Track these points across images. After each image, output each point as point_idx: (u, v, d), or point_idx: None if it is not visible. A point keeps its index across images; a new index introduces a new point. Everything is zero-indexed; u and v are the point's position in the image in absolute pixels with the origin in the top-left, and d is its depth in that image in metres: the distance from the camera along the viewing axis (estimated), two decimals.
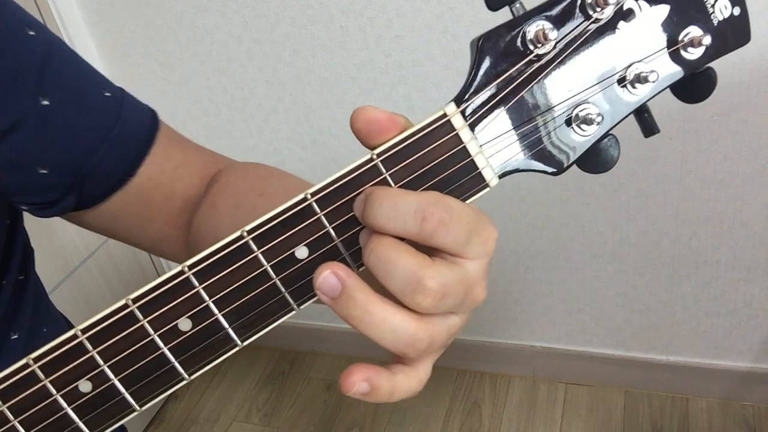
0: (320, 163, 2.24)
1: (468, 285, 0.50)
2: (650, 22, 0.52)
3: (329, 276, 0.49)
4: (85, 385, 0.53)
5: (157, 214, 0.84)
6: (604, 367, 2.37)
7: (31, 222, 0.88)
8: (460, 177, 0.52)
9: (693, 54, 0.53)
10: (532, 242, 2.19)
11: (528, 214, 2.13)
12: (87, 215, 0.83)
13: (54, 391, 0.53)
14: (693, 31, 0.52)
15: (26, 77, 0.71)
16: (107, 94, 0.79)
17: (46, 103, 0.72)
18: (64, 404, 0.53)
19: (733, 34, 0.53)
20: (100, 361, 0.52)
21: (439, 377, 2.55)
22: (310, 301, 0.53)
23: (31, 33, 0.73)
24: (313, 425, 2.51)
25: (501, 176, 0.53)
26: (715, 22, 0.53)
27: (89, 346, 0.52)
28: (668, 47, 0.52)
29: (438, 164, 0.51)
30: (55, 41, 0.77)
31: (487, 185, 0.53)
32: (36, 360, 0.52)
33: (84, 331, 0.52)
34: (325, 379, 2.68)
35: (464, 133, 0.51)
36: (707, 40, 0.52)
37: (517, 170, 0.54)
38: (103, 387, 0.53)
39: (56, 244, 2.25)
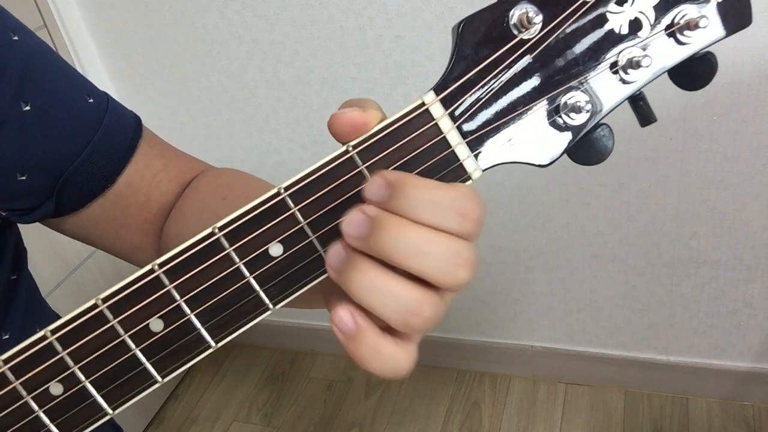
0: None
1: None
2: (644, 3, 0.49)
3: (338, 248, 0.48)
4: (56, 388, 0.52)
5: (133, 222, 0.84)
6: (604, 367, 2.36)
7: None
8: (440, 169, 0.50)
9: (690, 38, 0.50)
10: (532, 242, 2.18)
11: (528, 214, 2.12)
12: (66, 222, 0.83)
13: (25, 394, 0.52)
14: (690, 12, 0.49)
15: (7, 82, 0.70)
16: (90, 100, 0.79)
17: (27, 108, 0.71)
18: (35, 407, 0.53)
19: (733, 16, 0.50)
20: (71, 363, 0.51)
21: (439, 377, 2.54)
22: (287, 300, 0.52)
23: (15, 38, 0.72)
24: (313, 425, 2.51)
25: (485, 169, 0.52)
26: (714, 4, 0.50)
27: (59, 347, 0.51)
28: (664, 30, 0.50)
29: (416, 156, 0.50)
30: (39, 46, 0.76)
31: (469, 177, 0.51)
32: (6, 362, 0.51)
33: (53, 331, 0.51)
34: (325, 379, 2.67)
35: (444, 123, 0.50)
36: (705, 22, 0.49)
37: (502, 162, 0.52)
38: (74, 389, 0.52)
39: (56, 244, 2.24)
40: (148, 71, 2.25)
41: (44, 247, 2.19)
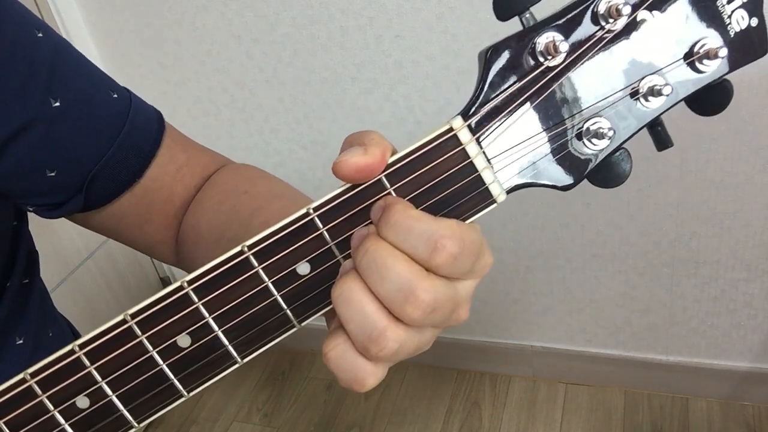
0: (320, 163, 2.23)
1: (456, 303, 0.50)
2: (665, 33, 0.51)
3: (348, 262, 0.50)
4: (82, 401, 0.53)
5: (157, 216, 0.84)
6: (604, 367, 2.36)
7: (31, 222, 0.88)
8: (466, 193, 0.51)
9: (709, 66, 0.51)
10: (532, 242, 2.18)
11: (528, 214, 2.12)
12: (92, 216, 0.83)
13: (51, 407, 0.53)
14: (709, 42, 0.51)
15: (37, 79, 0.71)
16: (115, 95, 0.79)
17: (57, 105, 0.72)
18: (61, 420, 0.53)
19: (750, 45, 0.52)
20: (98, 378, 0.52)
21: (439, 377, 2.55)
22: (311, 318, 0.53)
23: (40, 35, 0.72)
24: (313, 425, 2.51)
25: (509, 192, 0.53)
26: (732, 34, 0.51)
27: (87, 362, 0.51)
28: (683, 59, 0.51)
29: (444, 179, 0.51)
30: (62, 43, 0.76)
31: (494, 201, 0.52)
32: (33, 375, 0.52)
33: (81, 346, 0.51)
34: (325, 379, 2.68)
35: (471, 148, 0.50)
36: (724, 52, 0.50)
37: (525, 185, 0.53)
38: (100, 403, 0.53)
39: (56, 244, 2.24)
40: (148, 71, 2.25)
41: (44, 247, 2.17)
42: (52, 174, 0.74)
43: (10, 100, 0.69)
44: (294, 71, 2.07)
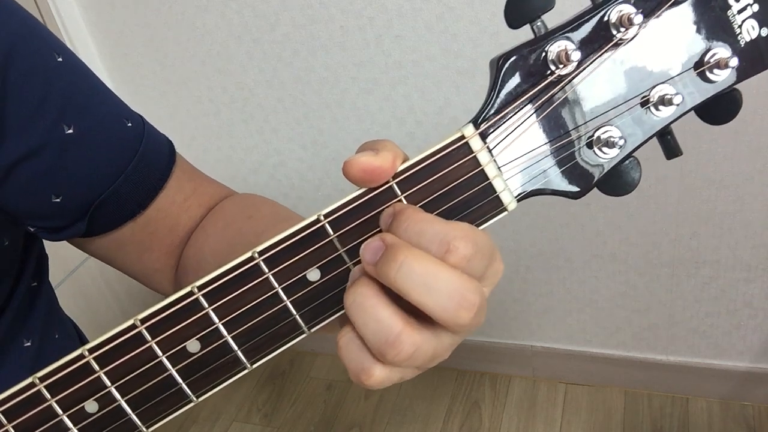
0: (320, 163, 2.23)
1: None
2: (675, 43, 0.51)
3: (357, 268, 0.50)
4: (91, 406, 0.53)
5: (158, 245, 0.84)
6: (604, 367, 2.37)
7: None
8: (477, 200, 0.51)
9: (719, 76, 0.52)
10: (532, 242, 2.18)
11: (528, 214, 2.12)
12: (92, 242, 0.83)
13: (60, 411, 0.53)
14: (719, 52, 0.51)
15: (51, 104, 0.70)
16: (129, 124, 0.79)
17: (70, 132, 0.72)
18: (69, 424, 0.53)
19: (760, 55, 0.52)
20: (107, 382, 0.52)
21: (439, 377, 2.55)
22: (322, 324, 0.53)
23: (59, 59, 0.72)
24: (313, 425, 2.51)
25: (519, 199, 0.53)
26: (742, 43, 0.52)
27: (96, 366, 0.52)
28: (694, 69, 0.52)
29: (455, 187, 0.51)
30: (81, 68, 0.76)
31: (505, 209, 0.52)
32: (42, 379, 0.52)
33: (91, 351, 0.51)
34: (325, 379, 2.68)
35: (482, 156, 0.51)
36: (734, 61, 0.51)
37: (536, 193, 0.53)
38: (109, 408, 0.53)
39: (56, 244, 2.23)
40: (148, 71, 2.25)
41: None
42: (58, 200, 0.74)
43: (23, 123, 0.69)
44: (294, 71, 2.07)
